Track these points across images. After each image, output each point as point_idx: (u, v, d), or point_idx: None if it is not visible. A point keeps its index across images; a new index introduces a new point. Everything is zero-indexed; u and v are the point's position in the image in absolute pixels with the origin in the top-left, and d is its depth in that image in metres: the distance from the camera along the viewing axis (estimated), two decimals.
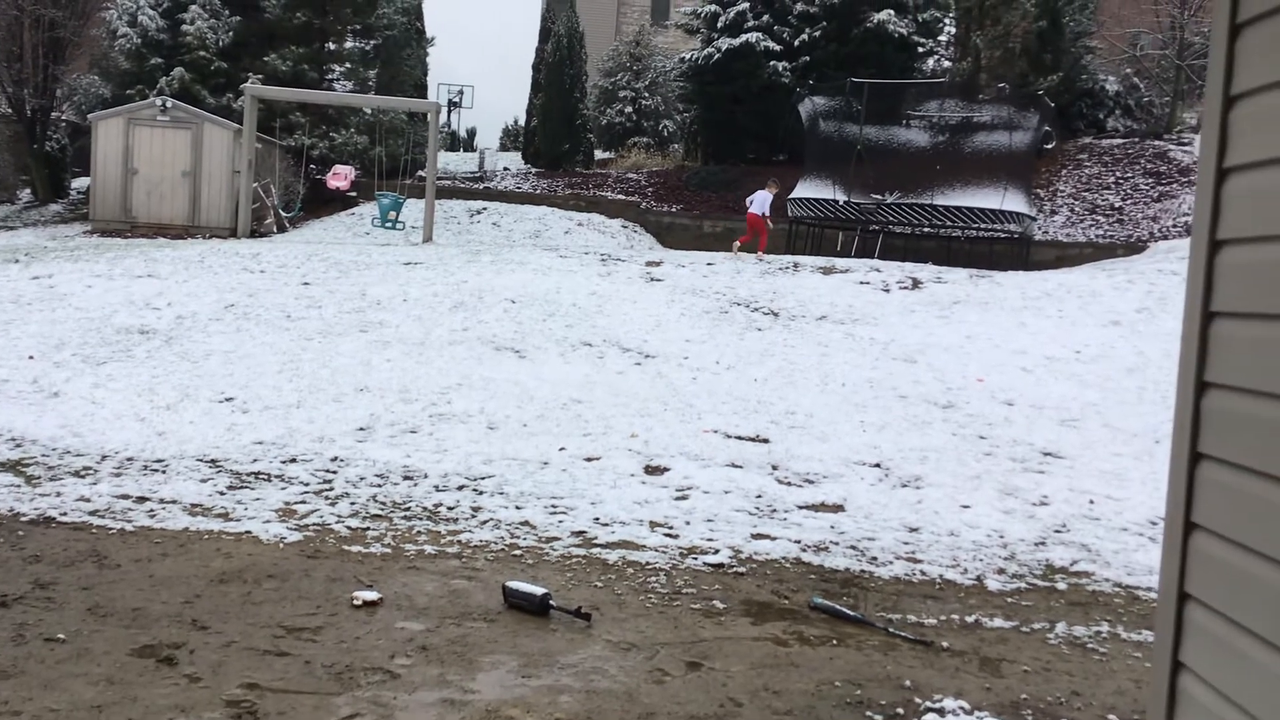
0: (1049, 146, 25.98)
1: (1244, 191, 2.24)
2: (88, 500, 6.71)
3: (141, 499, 6.83)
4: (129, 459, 7.75)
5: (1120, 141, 26.96)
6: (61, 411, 8.83)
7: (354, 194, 25.97)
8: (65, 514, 6.43)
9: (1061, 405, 10.14)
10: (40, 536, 5.99)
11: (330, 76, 29.50)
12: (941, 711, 4.16)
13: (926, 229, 22.89)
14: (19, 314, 11.91)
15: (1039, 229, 23.40)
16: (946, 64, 30.46)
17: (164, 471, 7.49)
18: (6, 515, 6.33)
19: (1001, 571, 6.27)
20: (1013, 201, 21.73)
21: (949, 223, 22.37)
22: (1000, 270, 17.54)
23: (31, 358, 10.29)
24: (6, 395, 9.19)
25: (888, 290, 14.63)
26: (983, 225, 22.04)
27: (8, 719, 3.77)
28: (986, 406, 10.03)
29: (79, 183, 30.06)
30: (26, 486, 6.94)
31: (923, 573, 6.17)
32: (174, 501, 6.81)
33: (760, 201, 19.13)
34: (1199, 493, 2.33)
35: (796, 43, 28.03)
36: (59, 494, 6.80)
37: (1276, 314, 2.08)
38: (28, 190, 29.77)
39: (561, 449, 8.41)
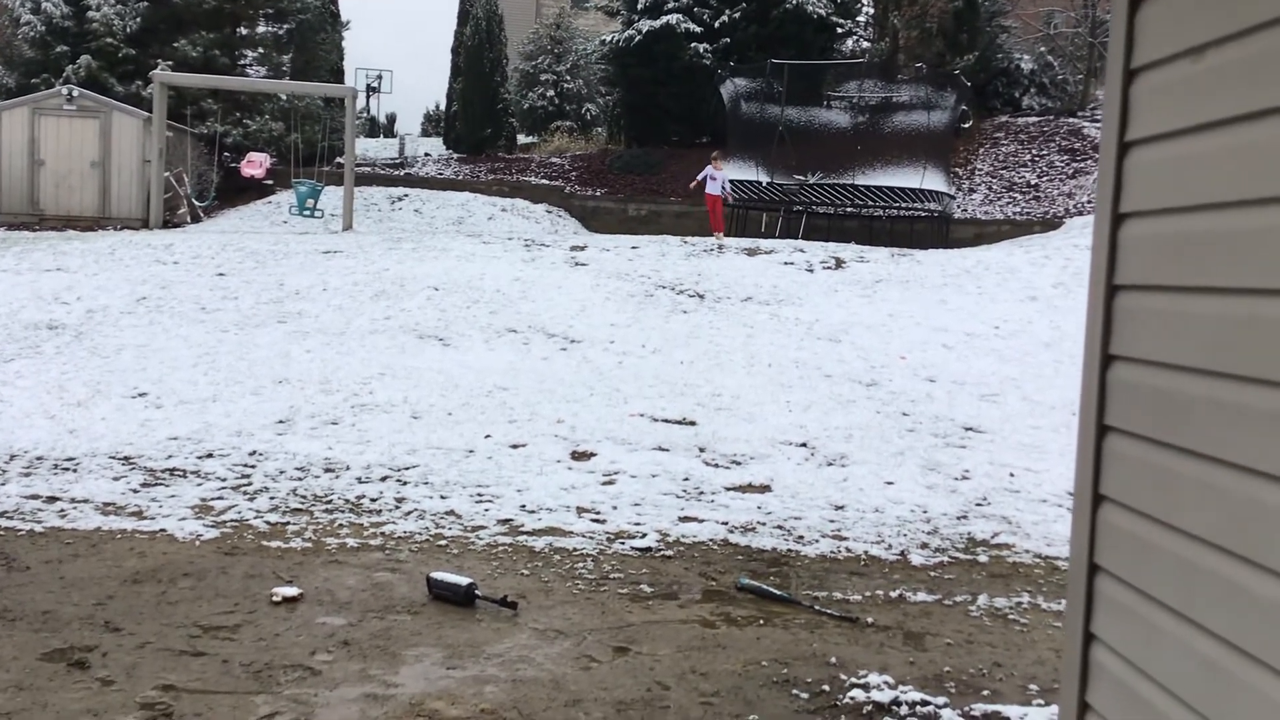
0: (966, 125, 26.33)
1: (1144, 165, 2.26)
2: None
3: (52, 499, 6.64)
4: (39, 458, 7.53)
5: (1035, 119, 27.41)
6: None
7: (270, 182, 25.49)
8: None
9: (982, 380, 10.28)
10: None
11: (243, 62, 28.88)
12: (866, 687, 4.19)
13: (849, 209, 23.10)
14: None
15: (958, 207, 23.73)
16: (865, 45, 30.71)
17: (75, 470, 7.29)
18: None
19: (925, 546, 6.34)
20: (932, 180, 22.01)
21: (870, 202, 22.60)
22: (921, 249, 17.76)
23: None
24: None
25: (811, 270, 14.72)
26: (903, 204, 22.30)
27: None
28: (909, 384, 10.13)
29: None
30: None
31: (848, 550, 6.21)
32: (86, 501, 6.63)
33: (721, 180, 19.34)
34: (1106, 465, 2.35)
35: (717, 24, 28.04)
36: None
37: (1177, 286, 2.10)
38: None
39: (487, 437, 8.34)
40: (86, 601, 4.95)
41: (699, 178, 19.41)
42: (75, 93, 22.83)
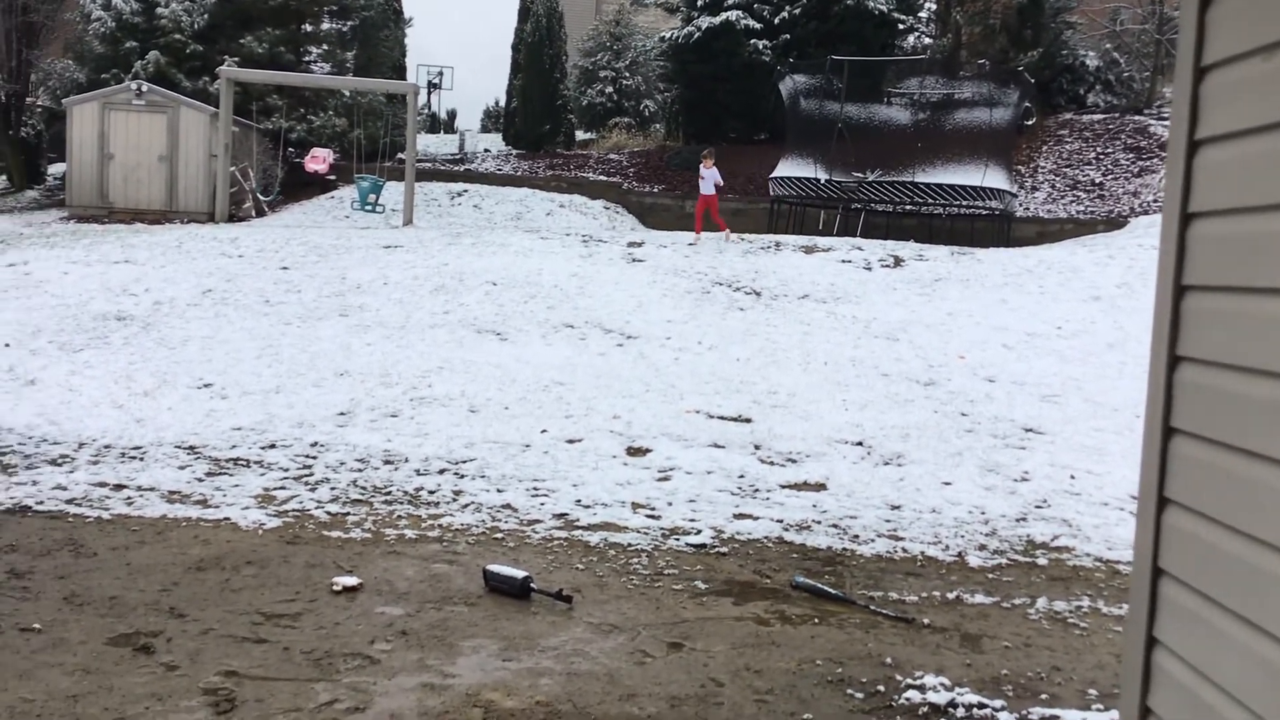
0: (1029, 123, 26.00)
1: (1215, 164, 2.22)
2: (64, 489, 6.66)
3: (119, 486, 6.78)
4: (106, 446, 7.69)
5: (1101, 117, 26.99)
6: (38, 399, 8.75)
7: (333, 177, 25.80)
8: (42, 502, 6.38)
9: (1043, 381, 10.16)
10: (16, 525, 5.94)
11: (307, 58, 29.26)
12: (922, 688, 4.17)
13: (908, 207, 22.90)
14: None
15: (1020, 205, 23.44)
16: (927, 41, 30.43)
17: (142, 459, 7.44)
18: None
19: (983, 548, 6.28)
20: (994, 178, 21.76)
21: (930, 200, 22.39)
22: (982, 247, 17.58)
23: (7, 345, 10.19)
24: None
25: (869, 268, 14.63)
26: (964, 202, 22.07)
27: None
28: (968, 383, 10.04)
29: (55, 169, 29.83)
30: (2, 475, 6.88)
31: (904, 550, 6.17)
32: (152, 489, 6.76)
33: (710, 180, 17.44)
34: (1172, 468, 2.32)
35: (777, 20, 27.93)
36: (35, 482, 6.75)
37: (1247, 287, 2.07)
38: (3, 177, 29.51)
39: (543, 431, 8.39)
40: (152, 588, 5.05)
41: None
42: (144, 88, 23.28)
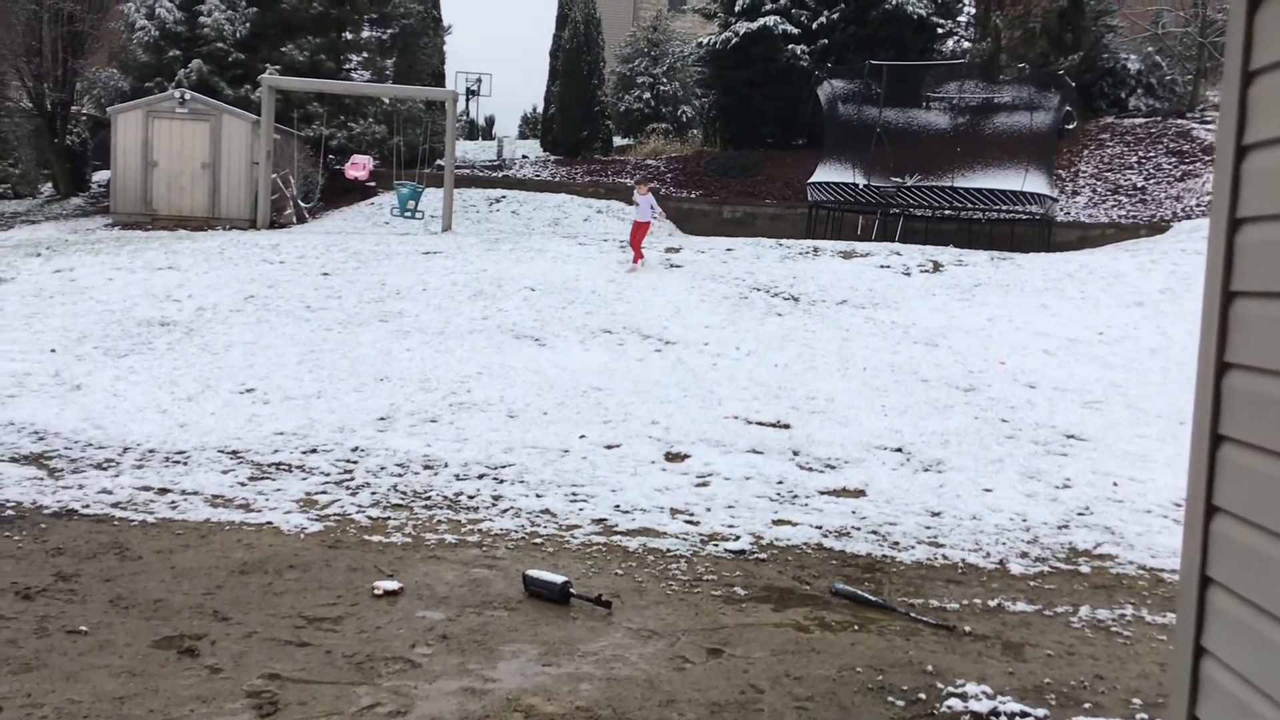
0: (1070, 127, 25.77)
1: (1264, 168, 2.20)
2: (110, 492, 6.75)
3: (163, 490, 6.86)
4: (151, 451, 7.79)
5: (1142, 121, 26.71)
6: (84, 404, 8.88)
7: (373, 184, 26.00)
8: (87, 506, 6.47)
9: (1084, 387, 10.07)
10: (63, 529, 6.02)
11: (348, 66, 29.49)
12: (964, 696, 4.14)
13: (947, 211, 22.76)
14: (41, 307, 11.99)
15: (1061, 210, 23.24)
16: (966, 45, 30.23)
17: (185, 463, 7.53)
18: (29, 508, 6.37)
19: (1024, 555, 6.23)
20: (1034, 183, 21.57)
21: (970, 205, 22.23)
22: (1022, 252, 17.43)
23: (54, 351, 10.35)
24: (29, 388, 9.25)
25: (908, 274, 14.55)
26: (1004, 207, 21.90)
27: (31, 711, 3.79)
28: (1009, 389, 9.96)
29: (99, 176, 30.22)
30: (49, 479, 6.98)
31: (945, 557, 6.14)
32: (195, 493, 6.84)
33: (646, 206, 15.56)
34: (1220, 475, 2.30)
35: (815, 25, 27.86)
36: (81, 486, 6.84)
37: None
38: (49, 184, 29.96)
39: (582, 437, 8.40)
40: (196, 591, 5.11)
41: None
42: (187, 96, 23.55)
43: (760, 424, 8.88)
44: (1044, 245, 20.79)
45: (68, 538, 5.86)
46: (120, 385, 9.43)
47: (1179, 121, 26.13)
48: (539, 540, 6.20)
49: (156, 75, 26.18)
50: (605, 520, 6.62)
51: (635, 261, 14.93)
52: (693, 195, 27.38)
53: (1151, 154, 24.99)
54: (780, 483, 7.48)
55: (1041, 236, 21.70)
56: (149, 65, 26.68)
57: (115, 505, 6.51)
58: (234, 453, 7.84)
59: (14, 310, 11.80)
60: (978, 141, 23.11)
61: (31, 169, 29.59)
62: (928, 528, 6.66)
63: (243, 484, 7.09)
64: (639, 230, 15.34)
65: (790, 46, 27.64)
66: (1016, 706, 4.07)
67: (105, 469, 7.29)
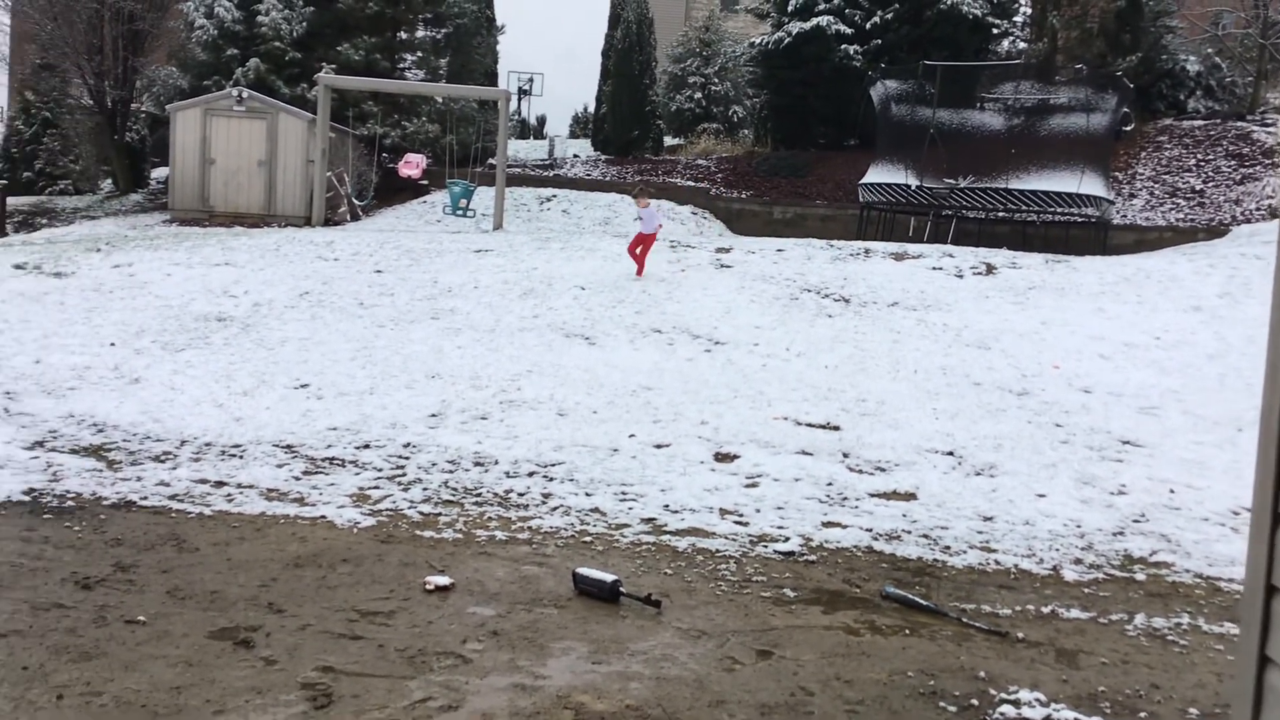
0: (1127, 128, 25.41)
1: None
2: (167, 485, 6.86)
3: (219, 483, 6.97)
4: (207, 444, 7.91)
5: (1201, 123, 26.28)
6: (142, 397, 9.03)
7: (425, 182, 26.21)
8: (146, 498, 6.58)
9: (1140, 392, 9.93)
10: (121, 520, 6.13)
11: (402, 65, 29.75)
12: (1017, 703, 4.10)
13: (1001, 213, 22.53)
14: (101, 302, 12.20)
15: (1117, 213, 22.93)
16: (1022, 45, 29.91)
17: (241, 456, 7.63)
18: (89, 499, 6.49)
19: (1078, 561, 6.16)
20: (1090, 185, 21.29)
21: (1024, 207, 21.99)
22: (1077, 255, 17.21)
23: (113, 344, 10.53)
24: (89, 381, 9.42)
25: (961, 276, 14.43)
26: (1059, 209, 21.64)
27: (90, 699, 3.86)
28: (1063, 394, 9.85)
29: (158, 173, 30.74)
30: (108, 471, 7.11)
31: (997, 562, 6.08)
32: (251, 486, 6.94)
33: (651, 217, 14.39)
34: None
35: (868, 25, 27.70)
36: (140, 478, 6.96)
37: None
38: (109, 180, 30.50)
39: (631, 436, 8.42)
40: (251, 583, 5.18)
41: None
42: (244, 94, 23.88)
43: (810, 425, 8.85)
44: (1100, 248, 20.53)
45: (126, 529, 5.96)
46: (178, 379, 9.58)
47: (1239, 124, 25.68)
48: (588, 538, 6.22)
49: (215, 73, 26.56)
50: (654, 520, 6.63)
51: (639, 274, 13.96)
52: (743, 195, 27.33)
53: (1210, 157, 24.58)
54: (830, 484, 7.45)
55: (1097, 239, 21.42)
56: (207, 64, 27.07)
57: (173, 497, 6.61)
58: (288, 447, 7.94)
59: (75, 304, 12.02)
60: (1033, 143, 22.85)
61: (92, 165, 30.12)
62: (980, 532, 6.60)
63: (297, 478, 7.17)
64: (643, 242, 14.13)
65: (843, 46, 27.50)
66: (1071, 714, 4.03)
67: (163, 461, 7.41)
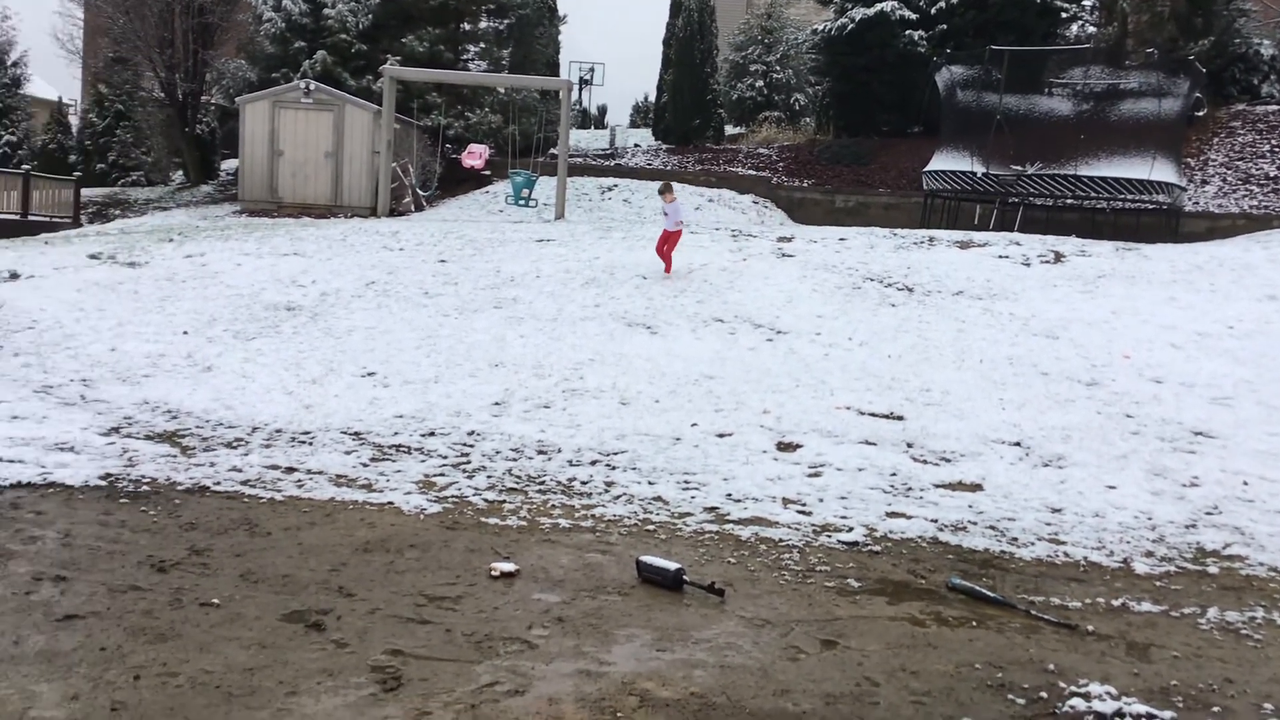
0: (1200, 114, 24.89)
1: None
2: (239, 470, 6.99)
3: (290, 469, 7.09)
4: (278, 431, 8.04)
5: (1276, 108, 25.65)
6: (214, 385, 9.21)
7: (488, 172, 26.38)
8: (219, 483, 6.71)
9: (1213, 383, 9.73)
10: (195, 505, 6.26)
11: (465, 56, 29.96)
12: (1087, 696, 4.05)
13: (1069, 201, 22.19)
14: (174, 291, 12.45)
15: (1189, 200, 22.47)
16: (1091, 29, 29.36)
17: (311, 443, 7.76)
18: (164, 484, 6.64)
19: (1150, 554, 6.07)
20: (1161, 171, 20.90)
21: (1093, 194, 21.64)
22: (1148, 243, 16.90)
23: (186, 333, 10.74)
24: (163, 369, 9.62)
25: (1028, 264, 14.23)
26: (1129, 196, 21.26)
27: (166, 680, 3.95)
28: (1133, 384, 9.69)
29: (228, 164, 31.25)
30: (182, 457, 7.26)
31: (1066, 554, 6.01)
32: (320, 472, 7.05)
33: (675, 212, 13.74)
34: None
35: (933, 10, 27.38)
36: (213, 464, 7.10)
37: None
38: (180, 172, 31.07)
39: (693, 425, 8.42)
40: (322, 567, 5.27)
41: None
42: (312, 86, 24.20)
43: (873, 415, 8.79)
44: (1171, 236, 20.15)
45: (200, 513, 6.09)
46: (249, 367, 9.75)
47: None
48: (651, 527, 6.24)
49: (282, 66, 26.95)
50: (717, 509, 6.63)
51: (667, 271, 13.48)
52: (805, 184, 27.17)
53: None
54: (894, 475, 7.40)
55: (1169, 227, 21.02)
56: (275, 56, 27.47)
57: (245, 483, 6.74)
58: (356, 434, 8.05)
59: (148, 294, 12.27)
60: (1102, 129, 22.45)
61: (163, 157, 30.71)
62: (1048, 524, 6.53)
63: (365, 465, 7.28)
64: (668, 239, 13.64)
65: (907, 32, 27.22)
66: (1142, 708, 3.97)
67: (235, 448, 7.55)
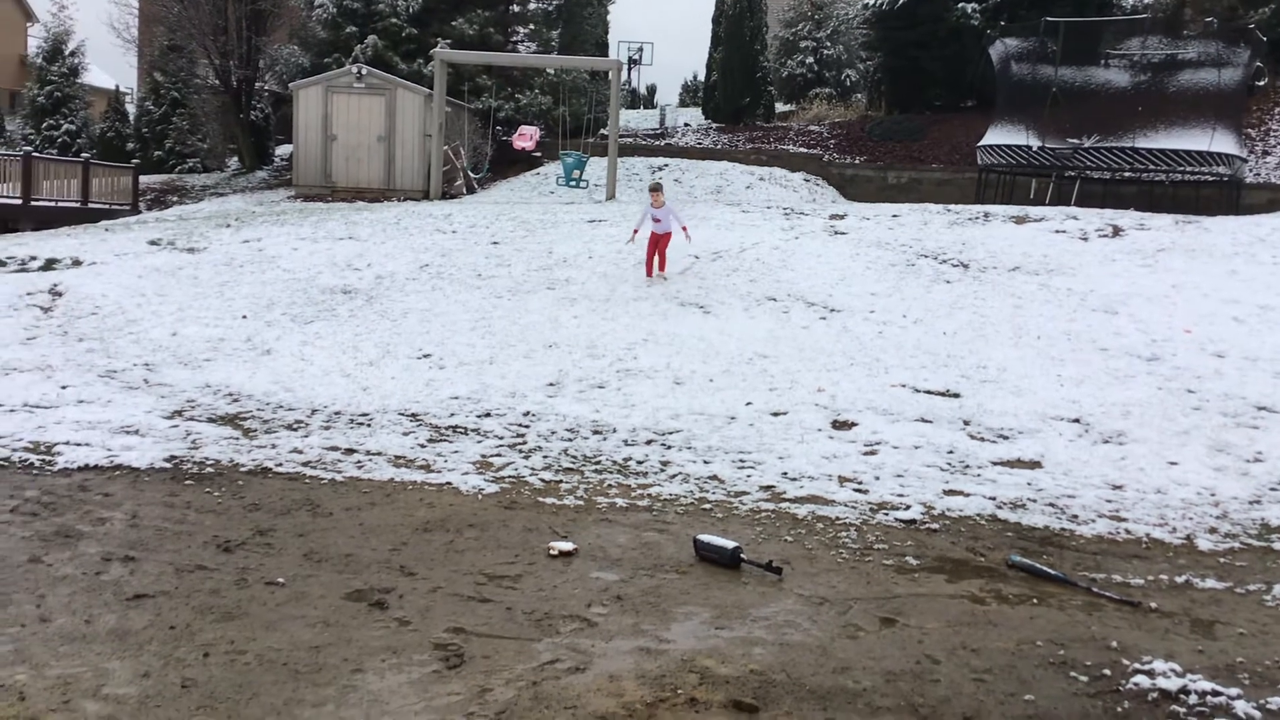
0: (1261, 84, 24.34)
1: None
2: (300, 452, 7.10)
3: (349, 451, 7.18)
4: (336, 413, 8.15)
5: None
6: (273, 368, 9.34)
7: (539, 154, 26.43)
8: (280, 465, 6.82)
9: (1277, 357, 9.55)
10: (258, 486, 6.37)
11: (515, 38, 30.00)
12: (1151, 673, 4.02)
13: (1127, 174, 21.81)
14: (232, 276, 12.62)
15: (1250, 171, 22.01)
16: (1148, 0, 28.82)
17: (369, 425, 7.85)
18: (227, 466, 6.76)
19: (1213, 531, 5.99)
20: (1221, 142, 20.48)
21: (1151, 166, 21.26)
22: (1208, 215, 16.58)
23: (245, 317, 10.89)
24: (223, 353, 9.77)
25: (1086, 239, 14.02)
26: (1188, 168, 20.87)
27: (235, 657, 4.03)
28: (1195, 359, 9.53)
29: (282, 150, 31.56)
30: (244, 439, 7.38)
31: (1127, 531, 5.94)
32: (379, 453, 7.14)
33: (667, 216, 12.52)
34: None
35: None
36: (274, 446, 7.22)
37: None
38: (235, 158, 31.42)
39: (748, 404, 8.42)
40: (383, 547, 5.34)
41: (635, 226, 13.14)
42: (364, 71, 24.35)
43: (929, 393, 8.74)
44: (1232, 208, 19.75)
45: (263, 494, 6.19)
46: (307, 350, 9.88)
47: None
48: (708, 506, 6.26)
49: (334, 51, 27.14)
50: (773, 487, 6.63)
51: (649, 275, 12.37)
52: (856, 161, 26.94)
53: None
54: (951, 452, 7.35)
55: (1229, 199, 20.61)
56: (327, 41, 27.67)
57: (306, 464, 6.84)
58: (413, 415, 8.14)
59: (208, 279, 12.45)
60: (1160, 100, 22.03)
61: (219, 144, 31.06)
62: (1108, 501, 6.46)
63: (422, 445, 7.36)
64: (656, 243, 12.49)
65: (960, 5, 26.85)
66: (1208, 685, 3.93)
67: (295, 430, 7.67)
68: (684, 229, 12.66)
